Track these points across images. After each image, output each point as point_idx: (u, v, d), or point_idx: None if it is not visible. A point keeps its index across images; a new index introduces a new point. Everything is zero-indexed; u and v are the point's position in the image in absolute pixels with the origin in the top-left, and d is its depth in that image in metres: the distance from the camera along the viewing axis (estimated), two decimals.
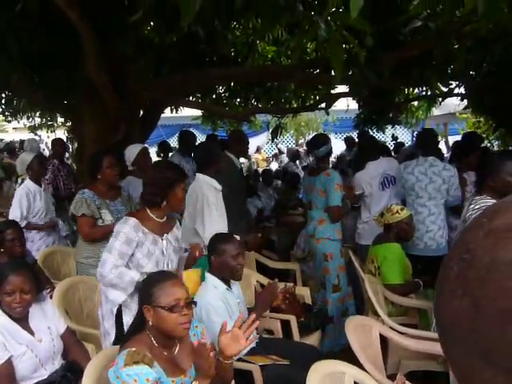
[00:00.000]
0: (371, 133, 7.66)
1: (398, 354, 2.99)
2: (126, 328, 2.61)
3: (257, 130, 10.56)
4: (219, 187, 3.47)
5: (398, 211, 3.61)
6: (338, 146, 10.14)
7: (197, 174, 3.55)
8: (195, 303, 2.04)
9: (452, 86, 5.51)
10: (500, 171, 2.69)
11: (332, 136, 15.02)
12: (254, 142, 13.68)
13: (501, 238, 0.37)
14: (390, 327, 2.95)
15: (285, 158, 13.08)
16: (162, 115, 6.60)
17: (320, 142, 4.09)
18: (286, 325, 3.23)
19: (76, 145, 6.54)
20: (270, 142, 13.23)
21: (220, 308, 2.62)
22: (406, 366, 2.99)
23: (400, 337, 2.83)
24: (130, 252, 2.62)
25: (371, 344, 2.60)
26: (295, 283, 4.20)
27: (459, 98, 6.15)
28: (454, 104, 7.90)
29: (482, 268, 0.37)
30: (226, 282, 2.83)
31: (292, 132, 14.94)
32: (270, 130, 7.05)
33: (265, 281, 3.83)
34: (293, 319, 3.21)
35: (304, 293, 3.73)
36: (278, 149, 14.68)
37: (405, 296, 3.53)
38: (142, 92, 4.86)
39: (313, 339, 3.31)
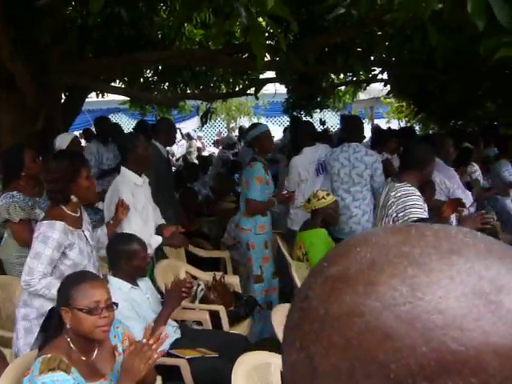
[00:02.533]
0: (301, 117, 7.77)
1: None
2: None
3: (186, 114, 10.38)
4: (140, 182, 3.30)
5: (323, 197, 3.67)
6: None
7: (121, 169, 3.39)
8: (116, 305, 1.97)
9: (376, 72, 5.65)
10: (433, 161, 2.84)
11: (263, 120, 15.08)
12: (183, 127, 13.42)
13: (335, 288, 0.35)
14: None
15: (195, 144, 12.78)
16: (88, 99, 6.34)
17: (249, 128, 4.15)
18: (215, 315, 3.21)
19: None
20: (200, 127, 13.05)
21: (125, 309, 2.49)
22: None
23: None
24: (57, 257, 2.50)
25: None
26: (225, 271, 4.19)
27: (383, 83, 6.34)
28: (378, 89, 8.13)
29: (316, 320, 0.35)
30: (131, 280, 2.74)
31: (223, 116, 14.84)
32: (200, 115, 6.95)
33: (194, 271, 3.79)
34: (222, 310, 3.19)
35: (233, 281, 3.73)
36: (188, 134, 13.49)
37: None
38: (63, 78, 4.62)
39: (243, 328, 3.31)
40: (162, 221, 3.55)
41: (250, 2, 2.45)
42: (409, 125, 8.67)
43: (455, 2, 2.48)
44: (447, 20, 3.02)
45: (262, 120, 14.89)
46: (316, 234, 3.63)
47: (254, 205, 3.86)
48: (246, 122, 14.57)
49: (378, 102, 10.55)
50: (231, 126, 15.32)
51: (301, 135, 4.64)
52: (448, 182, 3.90)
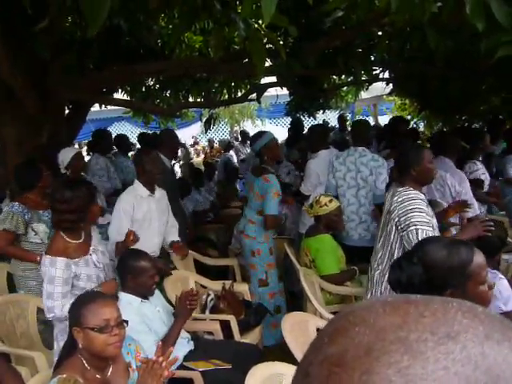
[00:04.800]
0: (301, 119, 7.77)
1: None
2: None
3: (189, 120, 10.41)
4: (145, 194, 3.38)
5: (326, 203, 3.62)
6: (274, 132, 10.08)
7: (135, 181, 3.49)
8: (127, 322, 1.98)
9: (377, 72, 5.63)
10: (421, 160, 2.78)
11: (266, 122, 15.08)
12: (186, 133, 13.47)
13: (332, 373, 0.35)
14: (328, 319, 3.00)
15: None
16: (91, 109, 6.37)
17: (255, 137, 4.05)
18: (226, 324, 3.21)
19: None
20: (204, 132, 13.06)
21: (136, 324, 2.49)
22: None
23: None
24: (69, 288, 2.58)
25: (309, 339, 2.63)
26: (234, 279, 4.19)
27: (385, 82, 6.33)
28: (381, 87, 8.10)
29: None
30: (140, 295, 2.74)
31: (226, 120, 14.85)
32: (204, 121, 6.96)
33: (203, 281, 3.79)
34: (232, 319, 3.18)
35: (243, 289, 3.72)
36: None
37: (342, 284, 3.60)
38: (65, 92, 4.64)
39: (253, 337, 3.31)
40: (177, 238, 3.62)
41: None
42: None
43: (454, 4, 2.48)
44: (446, 21, 3.02)
45: (266, 122, 14.91)
46: (321, 240, 3.61)
47: (273, 220, 3.83)
48: (249, 125, 14.58)
49: (380, 100, 10.51)
50: (235, 129, 15.32)
51: (316, 138, 4.58)
52: (458, 186, 3.87)
